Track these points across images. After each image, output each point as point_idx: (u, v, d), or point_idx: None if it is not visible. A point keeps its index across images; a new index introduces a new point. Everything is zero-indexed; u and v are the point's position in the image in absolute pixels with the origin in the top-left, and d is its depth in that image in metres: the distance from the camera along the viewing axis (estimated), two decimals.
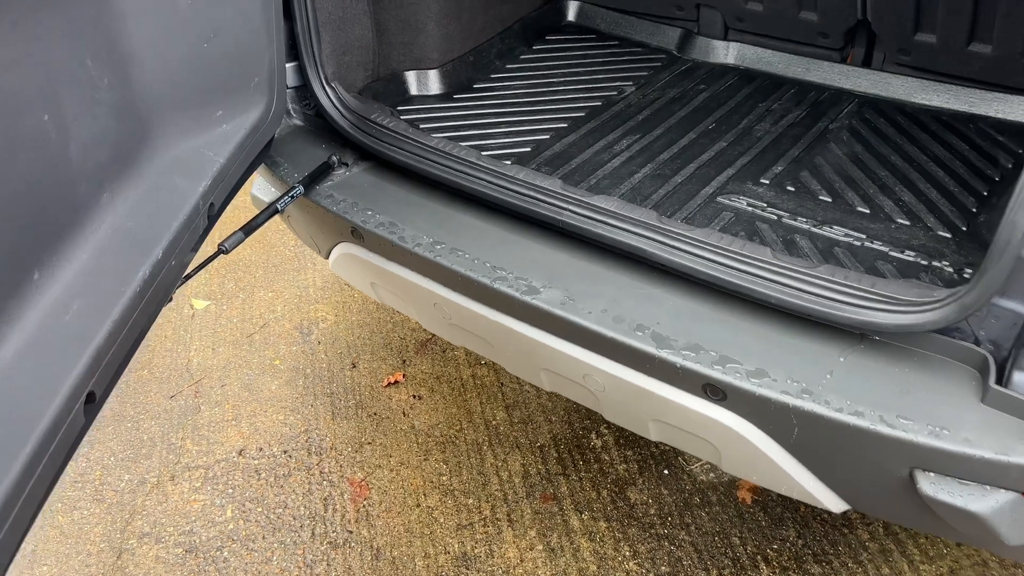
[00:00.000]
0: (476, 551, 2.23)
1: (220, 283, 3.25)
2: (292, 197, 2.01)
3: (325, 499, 2.39)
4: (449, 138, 2.31)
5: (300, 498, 2.40)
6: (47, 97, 1.31)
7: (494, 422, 2.59)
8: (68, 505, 2.43)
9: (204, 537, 2.32)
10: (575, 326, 1.65)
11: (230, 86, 1.81)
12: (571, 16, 2.95)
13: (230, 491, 2.43)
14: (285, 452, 2.54)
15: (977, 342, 1.46)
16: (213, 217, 1.71)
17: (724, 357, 1.52)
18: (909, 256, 1.78)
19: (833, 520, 2.27)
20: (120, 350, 1.34)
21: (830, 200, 1.98)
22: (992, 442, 1.31)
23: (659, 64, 2.69)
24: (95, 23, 1.43)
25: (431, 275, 1.92)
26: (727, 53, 2.67)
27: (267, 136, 1.96)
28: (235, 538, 2.31)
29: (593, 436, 2.52)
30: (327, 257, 2.28)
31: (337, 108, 2.18)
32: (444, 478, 2.42)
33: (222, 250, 1.82)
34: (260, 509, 2.38)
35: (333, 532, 2.30)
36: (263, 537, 2.31)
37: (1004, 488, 1.34)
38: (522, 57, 2.75)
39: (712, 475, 2.39)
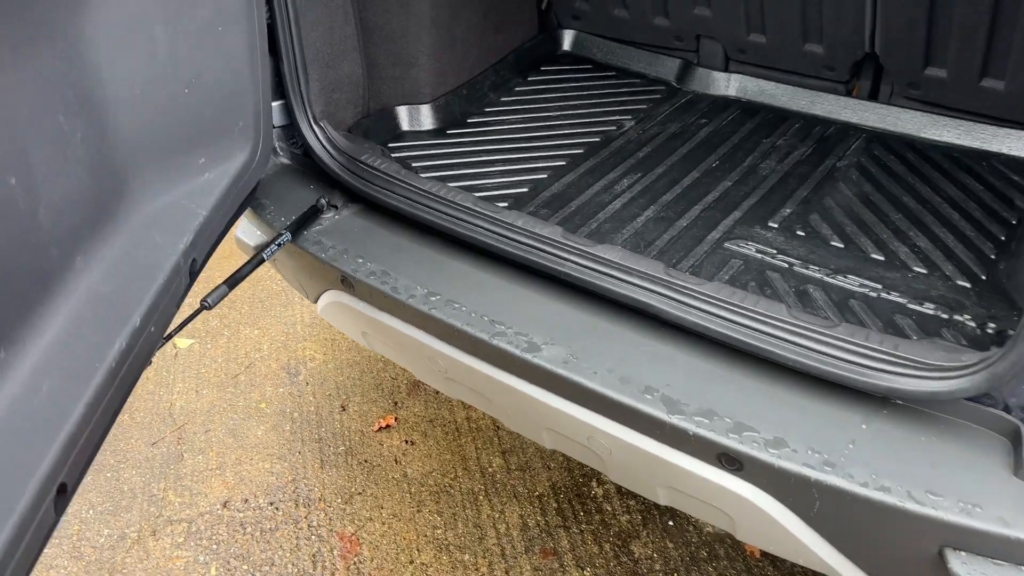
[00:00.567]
0: None
1: (204, 320, 3.14)
2: (279, 245, 1.91)
3: (314, 555, 2.28)
4: (443, 177, 2.22)
5: (288, 554, 2.29)
6: (15, 159, 1.21)
7: (490, 469, 2.49)
8: (44, 564, 2.31)
9: None
10: (579, 387, 1.56)
11: (213, 132, 1.72)
12: (567, 46, 2.87)
13: (214, 547, 2.32)
14: (272, 504, 2.43)
15: (1007, 409, 1.38)
16: (195, 273, 1.61)
17: (740, 424, 1.43)
18: (928, 309, 1.70)
19: None
20: (93, 433, 1.23)
21: (842, 246, 1.90)
22: None
23: (658, 96, 2.61)
24: (66, 75, 1.33)
25: (426, 328, 1.82)
26: (728, 85, 2.59)
27: (253, 182, 1.87)
28: None
29: (594, 484, 2.43)
30: (315, 302, 2.19)
31: (326, 149, 2.09)
32: (439, 531, 2.32)
33: (205, 306, 1.72)
34: (246, 567, 2.26)
35: None
36: None
37: None
38: (517, 89, 2.67)
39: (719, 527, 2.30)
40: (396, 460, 2.54)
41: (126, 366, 1.31)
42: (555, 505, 2.37)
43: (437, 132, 2.45)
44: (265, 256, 1.86)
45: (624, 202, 2.12)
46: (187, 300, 1.61)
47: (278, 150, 2.25)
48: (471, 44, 2.51)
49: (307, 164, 2.18)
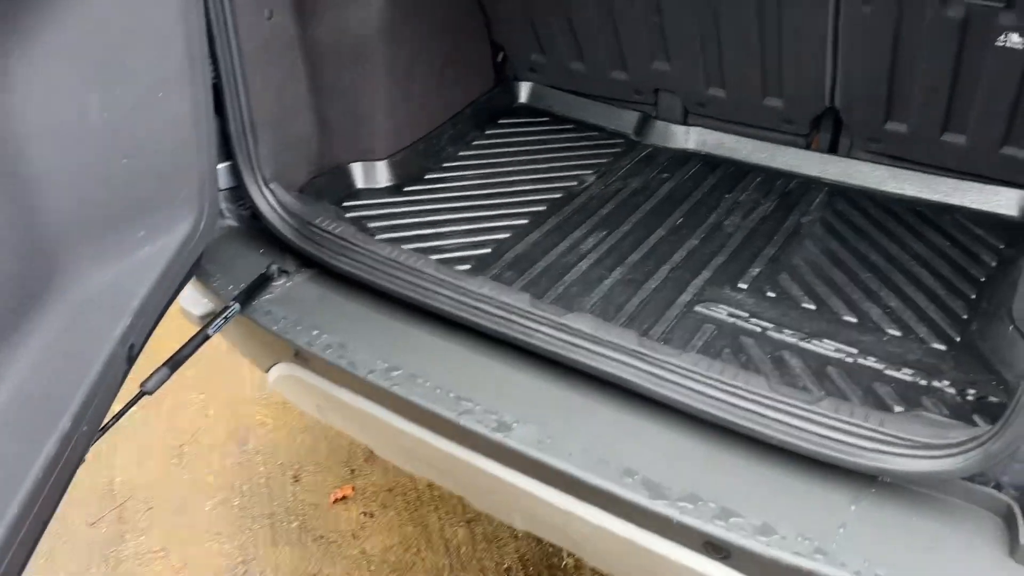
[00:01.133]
0: None
1: None
2: (226, 319, 1.79)
3: None
4: (402, 239, 2.13)
5: None
6: None
7: (455, 541, 2.37)
8: None
9: None
10: (554, 470, 1.47)
11: (154, 202, 1.61)
12: (524, 98, 2.82)
13: None
14: None
15: (999, 486, 1.34)
16: (133, 358, 1.49)
17: (726, 510, 1.35)
18: (906, 375, 1.65)
19: None
20: (18, 556, 1.09)
21: (814, 308, 1.86)
22: None
23: (618, 150, 2.57)
24: None
25: (387, 404, 1.71)
26: (688, 138, 2.56)
27: (197, 252, 1.75)
28: None
29: (565, 554, 2.32)
30: (266, 372, 2.06)
31: (277, 212, 1.98)
32: None
33: (145, 392, 1.58)
34: None
35: None
36: None
37: None
38: (475, 143, 2.60)
39: None
40: (354, 535, 2.40)
41: (55, 474, 1.18)
42: None
43: (394, 189, 2.36)
44: (210, 332, 1.74)
45: (590, 263, 2.05)
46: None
47: (225, 212, 2.13)
48: (428, 99, 2.44)
49: (256, 226, 2.07)
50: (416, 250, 2.07)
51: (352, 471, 2.60)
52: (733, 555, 1.35)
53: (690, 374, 1.48)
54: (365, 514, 2.46)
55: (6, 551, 1.07)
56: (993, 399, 1.58)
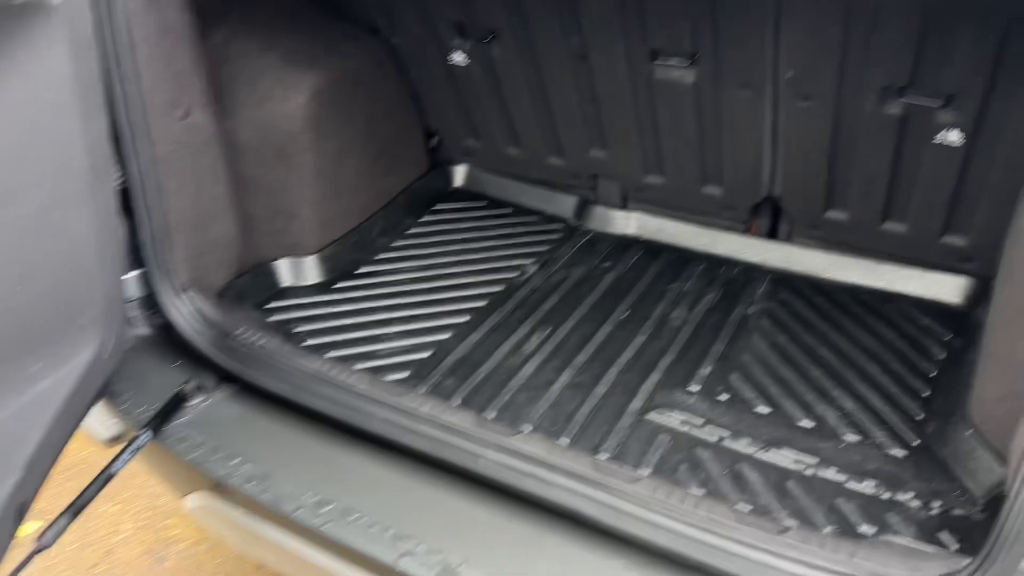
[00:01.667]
0: None
1: (55, 494, 2.70)
2: (136, 449, 1.61)
3: None
4: (332, 344, 2.00)
5: None
6: None
7: None
8: None
9: None
10: None
11: (53, 330, 1.43)
12: (459, 181, 2.73)
13: None
14: None
15: None
16: (23, 516, 1.30)
17: None
18: (869, 488, 1.58)
19: None
20: None
21: (768, 412, 1.78)
22: None
23: (558, 235, 2.49)
24: None
25: (316, 543, 1.55)
26: (628, 223, 2.50)
27: (101, 380, 1.58)
28: None
29: None
30: (183, 498, 1.87)
31: (193, 323, 1.82)
32: None
33: (41, 547, 1.39)
34: None
35: None
36: None
37: None
38: (409, 232, 2.49)
39: None
40: None
41: None
42: None
43: (323, 286, 2.22)
44: (115, 471, 1.56)
45: (536, 366, 1.94)
46: None
47: (137, 319, 1.96)
48: (359, 190, 2.32)
49: (172, 335, 1.90)
50: (349, 356, 1.94)
51: None
52: None
53: (650, 504, 1.38)
54: None
55: None
56: (958, 512, 1.52)
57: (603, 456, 1.64)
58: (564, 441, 1.69)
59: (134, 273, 1.83)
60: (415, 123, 2.55)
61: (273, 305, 2.12)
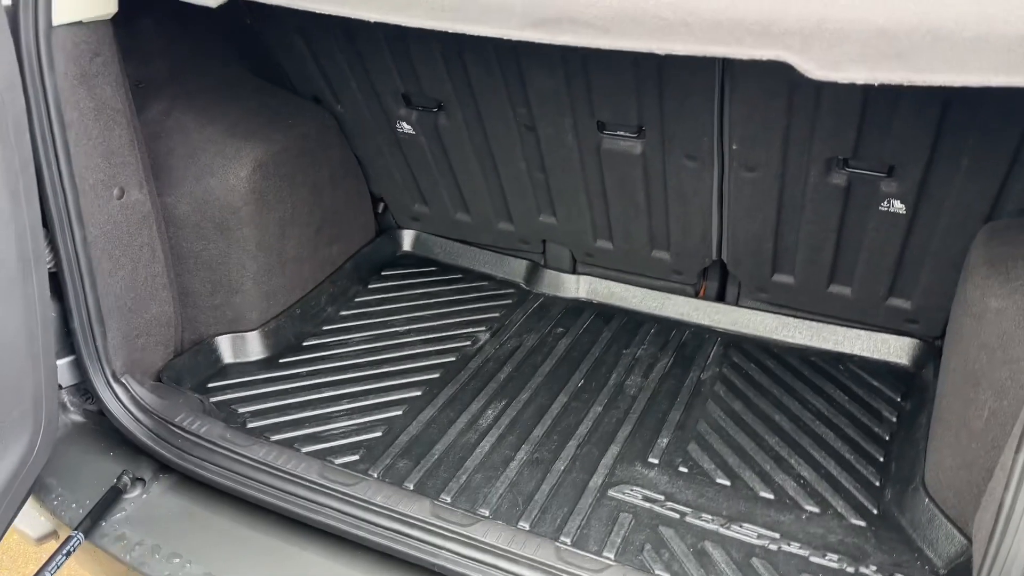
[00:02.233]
0: None
1: None
2: (67, 554, 1.50)
3: None
4: (279, 425, 1.91)
5: None
6: None
7: None
8: None
9: None
10: None
11: None
12: (407, 246, 2.69)
13: None
14: None
15: None
16: None
17: None
18: (832, 561, 1.57)
19: None
20: None
21: (728, 484, 1.76)
22: None
23: (509, 301, 2.46)
24: None
25: None
26: (578, 287, 2.49)
27: (31, 477, 1.47)
28: None
29: None
30: None
31: (129, 411, 1.73)
32: None
33: None
34: None
35: None
36: None
37: None
38: (358, 299, 2.43)
39: None
40: None
41: None
42: None
43: (268, 362, 2.13)
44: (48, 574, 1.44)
45: (492, 442, 1.89)
46: None
47: (69, 406, 1.86)
48: (303, 261, 2.26)
49: (106, 423, 1.80)
50: (296, 439, 1.86)
51: None
52: None
53: None
54: None
55: None
56: None
57: (566, 540, 1.59)
58: (524, 526, 1.63)
59: (66, 360, 1.74)
60: (361, 190, 2.51)
61: (215, 384, 2.03)
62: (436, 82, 2.08)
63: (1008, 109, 1.57)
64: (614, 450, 1.87)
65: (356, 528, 1.51)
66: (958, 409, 1.52)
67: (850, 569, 1.56)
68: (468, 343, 2.26)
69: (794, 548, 1.60)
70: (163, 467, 1.72)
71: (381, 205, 2.62)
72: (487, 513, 1.66)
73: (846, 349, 2.19)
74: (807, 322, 2.24)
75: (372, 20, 1.24)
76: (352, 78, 2.20)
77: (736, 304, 2.34)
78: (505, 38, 1.13)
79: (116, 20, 1.65)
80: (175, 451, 1.67)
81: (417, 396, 2.04)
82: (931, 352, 2.07)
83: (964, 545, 1.51)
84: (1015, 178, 1.68)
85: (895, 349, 2.14)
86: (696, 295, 2.39)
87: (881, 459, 1.83)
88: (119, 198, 1.68)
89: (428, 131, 2.26)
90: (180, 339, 1.99)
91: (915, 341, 2.12)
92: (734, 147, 1.86)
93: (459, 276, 2.59)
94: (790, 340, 2.25)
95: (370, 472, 1.76)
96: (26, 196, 1.38)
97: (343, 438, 1.88)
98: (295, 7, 1.30)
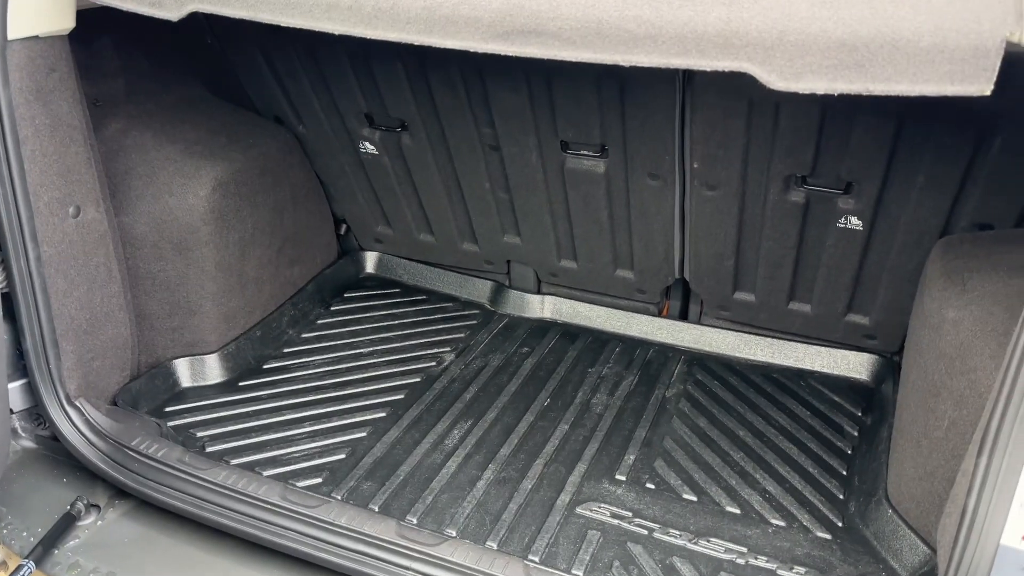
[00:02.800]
0: None
1: None
2: None
3: None
4: (239, 449, 1.87)
5: None
6: None
7: None
8: None
9: None
10: None
11: None
12: (370, 268, 2.67)
13: None
14: None
15: None
16: None
17: None
18: (799, 574, 1.57)
19: None
20: None
21: (695, 499, 1.77)
22: None
23: (474, 322, 2.45)
24: None
25: None
26: (543, 307, 2.49)
27: None
28: None
29: None
30: None
31: (84, 435, 1.68)
32: None
33: None
34: None
35: None
36: None
37: None
38: (320, 321, 2.40)
39: None
40: None
41: None
42: None
43: (227, 385, 2.09)
44: None
45: (459, 462, 1.87)
46: None
47: (20, 431, 1.79)
48: (264, 282, 2.22)
49: (60, 448, 1.74)
50: (257, 462, 1.82)
51: None
52: None
53: None
54: None
55: None
56: None
57: (534, 559, 1.57)
58: (492, 545, 1.61)
59: (17, 384, 1.68)
60: (324, 211, 2.49)
61: (172, 408, 1.98)
62: (400, 102, 2.08)
63: (961, 126, 1.62)
64: (581, 468, 1.86)
65: (320, 551, 1.47)
66: (919, 420, 1.55)
67: None
68: (433, 364, 2.24)
69: (761, 562, 1.61)
70: (119, 492, 1.67)
71: (344, 227, 2.60)
72: (454, 533, 1.64)
73: (807, 365, 2.22)
74: (768, 339, 2.27)
75: (336, 32, 1.24)
76: (315, 98, 2.19)
77: (699, 322, 2.36)
78: (472, 51, 1.14)
79: (73, 36, 1.63)
80: (131, 475, 1.62)
81: (381, 417, 2.01)
82: (890, 367, 2.11)
83: (928, 555, 1.53)
84: (968, 194, 1.73)
85: (855, 365, 2.18)
86: (659, 314, 2.41)
87: (844, 472, 1.85)
88: (75, 216, 1.64)
89: (391, 151, 2.26)
90: (137, 362, 1.94)
91: (874, 357, 2.16)
92: (695, 166, 1.89)
93: (423, 297, 2.57)
94: (752, 357, 2.27)
95: (334, 494, 1.72)
96: None
97: (306, 461, 1.85)
98: (257, 20, 1.29)
